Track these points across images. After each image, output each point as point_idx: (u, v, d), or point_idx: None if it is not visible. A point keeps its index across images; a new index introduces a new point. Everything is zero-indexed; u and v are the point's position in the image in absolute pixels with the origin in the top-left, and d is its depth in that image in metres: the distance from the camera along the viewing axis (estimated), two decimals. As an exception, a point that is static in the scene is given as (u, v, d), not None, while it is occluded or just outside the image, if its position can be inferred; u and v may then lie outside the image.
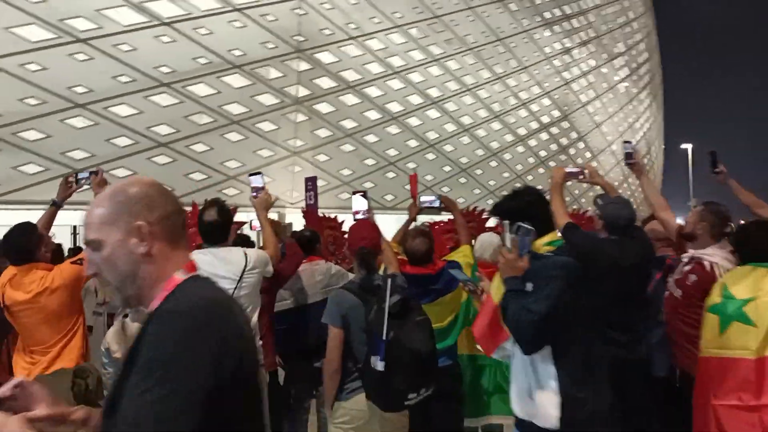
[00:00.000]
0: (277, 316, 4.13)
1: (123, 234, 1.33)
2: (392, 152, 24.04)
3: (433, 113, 25.60)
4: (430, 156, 25.38)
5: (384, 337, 2.90)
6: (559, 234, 3.03)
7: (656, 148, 44.69)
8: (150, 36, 18.01)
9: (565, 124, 33.12)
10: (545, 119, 31.66)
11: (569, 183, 3.63)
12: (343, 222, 5.34)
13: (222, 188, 18.59)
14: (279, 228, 4.03)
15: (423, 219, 5.03)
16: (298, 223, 11.55)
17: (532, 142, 30.97)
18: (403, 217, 4.19)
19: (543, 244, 2.43)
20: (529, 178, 30.65)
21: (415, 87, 24.82)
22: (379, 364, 2.88)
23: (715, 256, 3.30)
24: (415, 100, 24.89)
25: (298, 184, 13.89)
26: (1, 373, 3.78)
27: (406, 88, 24.50)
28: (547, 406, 2.25)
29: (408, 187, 4.58)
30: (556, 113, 32.35)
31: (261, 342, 3.42)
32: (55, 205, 3.55)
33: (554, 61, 32.02)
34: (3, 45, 15.36)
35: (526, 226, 2.26)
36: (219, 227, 3.34)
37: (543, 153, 31.62)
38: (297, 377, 4.22)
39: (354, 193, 3.85)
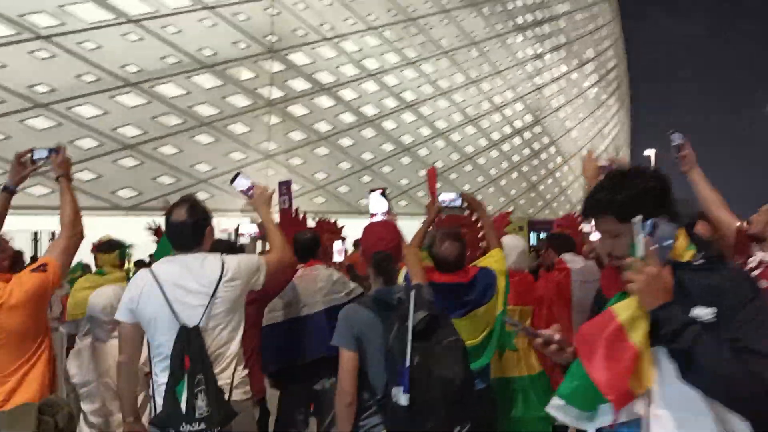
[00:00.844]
0: (269, 331, 3.65)
1: None
2: (367, 156, 23.67)
3: (408, 117, 25.34)
4: (405, 160, 25.09)
5: (408, 364, 2.36)
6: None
7: (624, 154, 45.23)
8: (116, 34, 17.46)
9: (537, 129, 33.21)
10: (518, 124, 31.70)
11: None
12: (343, 227, 4.89)
13: (192, 192, 17.95)
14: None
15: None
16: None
17: (506, 147, 30.94)
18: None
19: (686, 247, 1.67)
20: (503, 182, 30.59)
21: (390, 90, 24.52)
22: (402, 398, 2.35)
23: None
24: (390, 103, 24.59)
25: (272, 188, 13.38)
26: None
27: (381, 91, 24.19)
28: None
29: (420, 183, 4.11)
30: (528, 118, 32.43)
31: (245, 370, 2.73)
32: (8, 191, 2.90)
33: (526, 66, 32.09)
34: (-42, 40, 14.61)
35: (665, 223, 1.60)
36: (190, 229, 2.69)
37: (516, 157, 31.63)
38: (293, 402, 3.72)
39: (371, 191, 3.38)
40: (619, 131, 43.46)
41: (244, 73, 20.10)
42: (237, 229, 15.35)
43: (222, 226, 14.82)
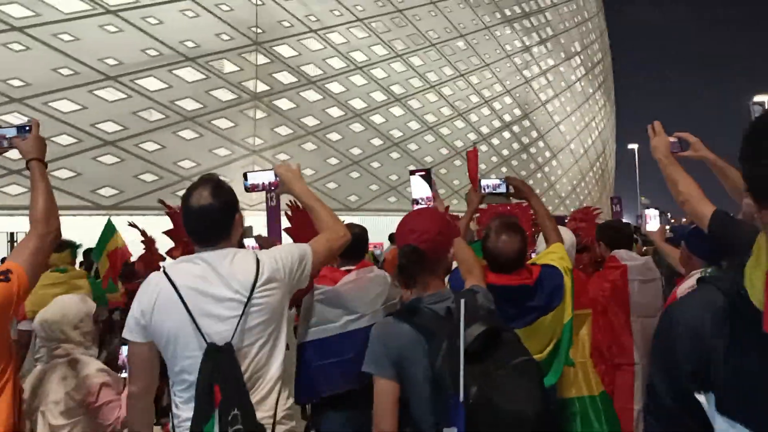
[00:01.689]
0: (313, 348, 2.91)
1: None
2: (356, 151, 23.09)
3: (397, 110, 24.80)
4: (395, 155, 24.54)
5: (462, 396, 1.73)
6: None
7: (610, 148, 45.18)
8: (94, 25, 16.71)
9: (525, 123, 32.88)
10: (507, 118, 31.33)
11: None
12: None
13: (175, 190, 17.24)
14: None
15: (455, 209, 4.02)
16: (258, 226, 10.49)
17: (495, 141, 30.56)
18: (369, 220, 3.11)
19: None
20: (492, 177, 30.20)
21: (379, 83, 23.95)
22: None
23: None
24: (379, 96, 24.03)
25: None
26: None
27: (369, 84, 23.61)
28: None
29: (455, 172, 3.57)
30: (517, 112, 32.08)
31: (290, 399, 2.11)
32: None
33: (515, 58, 31.72)
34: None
35: None
36: (218, 214, 2.07)
37: (505, 152, 31.26)
38: None
39: (412, 173, 2.84)
40: (606, 125, 43.36)
41: (229, 66, 19.42)
42: (248, 232, 14.59)
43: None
